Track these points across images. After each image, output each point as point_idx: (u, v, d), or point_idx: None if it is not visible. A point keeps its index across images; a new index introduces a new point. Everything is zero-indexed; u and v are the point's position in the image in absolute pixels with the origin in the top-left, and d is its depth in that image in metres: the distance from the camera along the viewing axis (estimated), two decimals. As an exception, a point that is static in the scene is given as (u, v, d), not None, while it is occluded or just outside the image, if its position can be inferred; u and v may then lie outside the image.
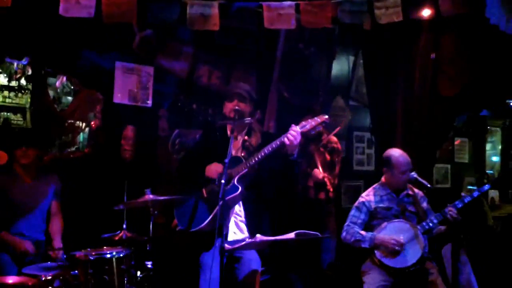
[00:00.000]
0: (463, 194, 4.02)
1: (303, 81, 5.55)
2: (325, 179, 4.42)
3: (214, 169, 3.43)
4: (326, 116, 3.24)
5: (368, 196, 4.15)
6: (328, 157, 4.54)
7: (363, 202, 4.11)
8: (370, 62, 5.61)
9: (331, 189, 4.48)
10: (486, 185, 4.15)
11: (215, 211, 3.30)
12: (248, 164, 3.31)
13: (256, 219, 3.43)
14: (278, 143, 3.22)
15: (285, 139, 3.18)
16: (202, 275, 3.38)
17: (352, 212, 4.14)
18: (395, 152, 4.12)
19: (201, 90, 5.21)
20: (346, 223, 4.10)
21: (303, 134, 3.22)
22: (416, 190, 4.19)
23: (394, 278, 3.83)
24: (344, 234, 4.06)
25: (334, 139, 4.82)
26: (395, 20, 4.18)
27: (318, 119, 3.21)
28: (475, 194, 3.99)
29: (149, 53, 4.88)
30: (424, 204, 4.14)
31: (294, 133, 3.18)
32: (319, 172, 4.46)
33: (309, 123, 3.22)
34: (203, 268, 3.38)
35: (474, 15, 4.26)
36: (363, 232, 3.98)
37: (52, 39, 4.43)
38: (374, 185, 4.23)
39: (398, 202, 4.08)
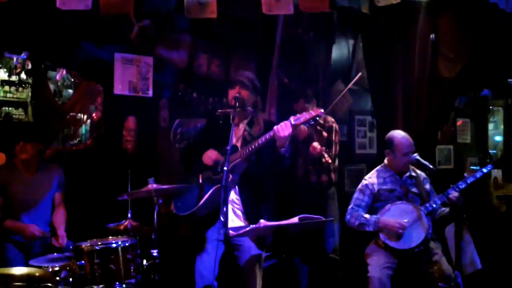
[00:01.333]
0: (466, 174, 4.03)
1: (303, 67, 5.54)
2: (323, 152, 4.39)
3: (209, 156, 3.47)
4: (321, 110, 3.23)
5: (371, 178, 4.16)
6: (325, 134, 4.52)
7: (366, 185, 4.13)
8: (370, 45, 5.60)
9: (330, 160, 4.46)
10: (489, 165, 4.15)
11: (207, 195, 3.35)
12: (241, 154, 3.33)
13: (253, 206, 3.46)
14: (271, 134, 3.23)
15: (274, 127, 3.19)
16: (199, 260, 3.43)
17: (356, 195, 4.15)
18: (398, 134, 4.12)
19: (201, 79, 5.21)
20: (350, 206, 4.12)
21: (296, 126, 3.22)
22: (418, 172, 4.19)
23: (399, 259, 3.85)
24: (348, 217, 4.08)
25: (331, 118, 4.81)
26: (393, 3, 4.15)
27: (313, 113, 3.20)
28: (478, 174, 3.99)
29: (148, 44, 4.87)
30: (427, 186, 4.15)
31: (283, 124, 3.19)
32: (317, 145, 4.43)
33: (303, 116, 3.21)
34: (201, 253, 3.45)
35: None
36: (367, 216, 4.00)
37: (50, 33, 4.42)
38: (377, 168, 4.25)
39: (401, 184, 4.09)
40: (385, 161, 4.20)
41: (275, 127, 3.20)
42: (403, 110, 5.18)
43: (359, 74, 5.18)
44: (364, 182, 4.17)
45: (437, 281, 3.68)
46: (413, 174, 4.15)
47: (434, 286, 3.70)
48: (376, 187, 4.08)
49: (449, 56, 4.91)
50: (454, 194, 3.86)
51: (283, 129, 3.18)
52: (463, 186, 3.91)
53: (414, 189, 4.09)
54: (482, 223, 5.04)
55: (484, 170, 4.05)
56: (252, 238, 3.45)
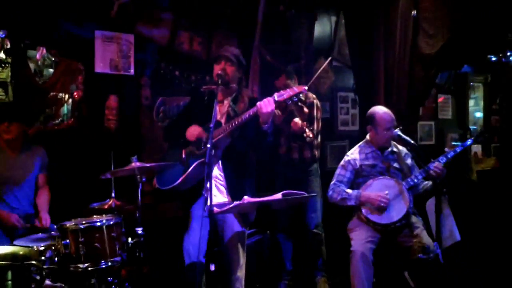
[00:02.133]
0: (446, 149, 4.09)
1: (285, 44, 5.53)
2: (304, 127, 4.39)
3: (191, 132, 3.48)
4: (305, 87, 3.24)
5: (353, 154, 4.20)
6: (306, 110, 4.52)
7: (348, 161, 4.17)
8: (352, 22, 5.60)
9: (312, 135, 4.48)
10: (469, 140, 4.22)
11: (188, 170, 3.36)
12: (224, 129, 3.34)
13: (236, 182, 3.47)
14: (255, 110, 3.23)
15: (257, 103, 3.20)
16: (187, 237, 3.46)
17: (338, 171, 4.19)
18: (379, 110, 4.15)
19: (183, 57, 5.17)
20: (332, 182, 4.17)
21: (279, 102, 3.22)
22: (400, 147, 4.24)
23: (381, 234, 3.91)
24: (330, 193, 4.13)
25: (311, 94, 4.81)
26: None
27: (296, 89, 3.20)
28: (458, 149, 4.06)
29: (128, 21, 4.80)
30: (409, 161, 4.20)
31: (266, 100, 3.19)
32: (298, 120, 4.43)
33: (287, 93, 3.21)
34: (188, 231, 3.48)
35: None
36: (349, 190, 4.05)
37: (29, 10, 4.35)
38: (359, 144, 4.29)
39: (382, 159, 4.14)
40: (367, 137, 4.24)
41: (258, 103, 3.20)
42: (385, 87, 5.21)
43: (329, 59, 5.16)
44: (346, 158, 4.21)
45: (417, 253, 3.75)
46: (395, 149, 4.20)
47: (415, 258, 3.77)
48: (358, 163, 4.13)
49: (430, 32, 4.93)
50: (435, 168, 3.91)
51: (266, 105, 3.18)
52: (444, 160, 3.97)
53: (395, 165, 4.14)
54: (462, 197, 5.13)
55: (464, 145, 4.13)
56: (236, 215, 3.48)
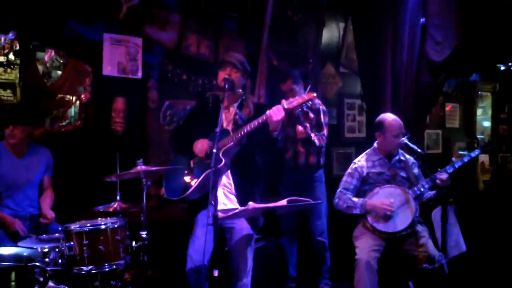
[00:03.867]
0: (453, 159, 4.06)
1: (292, 49, 5.52)
2: (307, 131, 4.37)
3: (199, 147, 3.45)
4: (314, 94, 3.23)
5: (360, 162, 4.18)
6: (311, 115, 4.50)
7: (355, 168, 4.15)
8: (360, 28, 5.59)
9: (323, 141, 4.47)
10: (476, 149, 4.20)
11: (199, 180, 3.35)
12: (233, 138, 3.32)
13: (246, 190, 3.45)
14: (264, 118, 3.21)
15: (267, 112, 3.19)
16: (191, 244, 3.44)
17: (345, 178, 4.18)
18: (388, 117, 4.14)
19: (190, 60, 5.17)
20: (339, 189, 4.15)
21: (289, 110, 3.21)
22: (407, 156, 4.22)
23: (386, 242, 3.89)
24: (336, 200, 4.11)
25: (317, 100, 4.79)
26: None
27: (306, 97, 3.19)
28: (466, 159, 4.04)
29: (136, 23, 4.82)
30: (416, 170, 4.18)
31: (276, 109, 3.18)
32: (300, 127, 4.41)
33: (296, 100, 3.20)
34: (193, 237, 3.46)
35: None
36: (355, 199, 4.03)
37: (37, 11, 4.37)
38: (366, 151, 4.27)
39: (389, 168, 4.12)
40: (375, 144, 4.22)
41: (267, 112, 3.19)
42: (392, 94, 5.20)
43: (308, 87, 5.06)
44: (353, 165, 4.19)
45: (422, 263, 3.73)
46: (402, 158, 4.18)
47: (420, 268, 3.74)
48: (365, 170, 4.11)
49: (438, 39, 4.93)
50: (442, 178, 3.88)
51: (276, 113, 3.17)
52: (451, 170, 3.94)
53: (402, 173, 4.12)
54: (468, 207, 5.10)
55: (472, 155, 4.10)
56: (247, 219, 3.46)
